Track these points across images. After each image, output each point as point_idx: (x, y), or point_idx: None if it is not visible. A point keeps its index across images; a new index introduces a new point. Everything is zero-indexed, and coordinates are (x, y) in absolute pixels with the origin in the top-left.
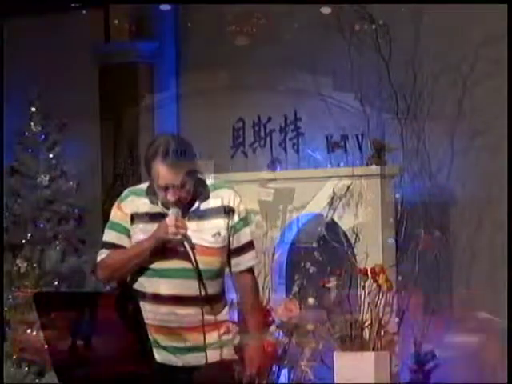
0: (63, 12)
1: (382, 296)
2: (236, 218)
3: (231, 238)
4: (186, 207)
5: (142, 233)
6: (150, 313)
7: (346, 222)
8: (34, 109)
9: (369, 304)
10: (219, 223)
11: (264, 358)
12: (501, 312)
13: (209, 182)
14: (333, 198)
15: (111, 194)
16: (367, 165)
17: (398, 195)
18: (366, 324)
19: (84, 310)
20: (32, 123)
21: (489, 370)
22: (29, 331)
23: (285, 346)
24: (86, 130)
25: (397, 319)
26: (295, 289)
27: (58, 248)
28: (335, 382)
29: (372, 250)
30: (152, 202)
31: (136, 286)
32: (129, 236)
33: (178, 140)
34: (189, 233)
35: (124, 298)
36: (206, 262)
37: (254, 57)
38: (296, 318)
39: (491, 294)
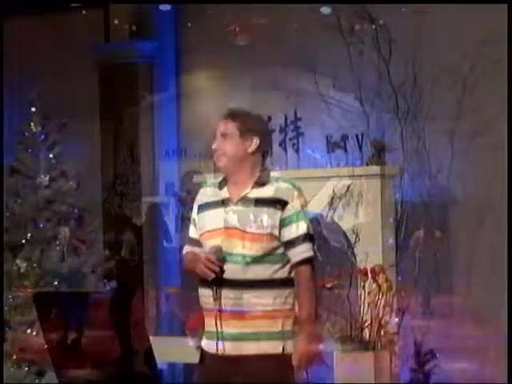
0: (63, 12)
1: (382, 296)
2: (289, 211)
3: (282, 230)
4: (240, 190)
5: (203, 220)
6: (204, 297)
7: (346, 222)
8: (33, 109)
9: (369, 304)
10: (267, 212)
11: (314, 353)
12: (501, 312)
13: (273, 173)
14: (333, 198)
15: (111, 194)
16: (367, 165)
17: (398, 195)
18: (366, 324)
19: (84, 309)
20: (32, 123)
21: (488, 370)
22: (29, 331)
23: None
24: (86, 130)
25: (397, 319)
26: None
27: (57, 248)
28: (335, 382)
29: (372, 249)
30: (220, 188)
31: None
32: None
33: (241, 114)
34: (235, 216)
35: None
36: (249, 247)
37: (254, 57)
38: None
39: (491, 294)
